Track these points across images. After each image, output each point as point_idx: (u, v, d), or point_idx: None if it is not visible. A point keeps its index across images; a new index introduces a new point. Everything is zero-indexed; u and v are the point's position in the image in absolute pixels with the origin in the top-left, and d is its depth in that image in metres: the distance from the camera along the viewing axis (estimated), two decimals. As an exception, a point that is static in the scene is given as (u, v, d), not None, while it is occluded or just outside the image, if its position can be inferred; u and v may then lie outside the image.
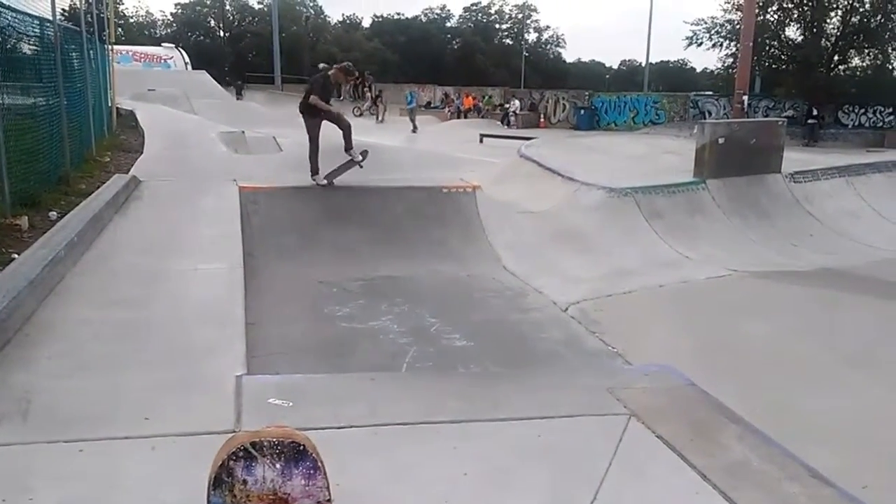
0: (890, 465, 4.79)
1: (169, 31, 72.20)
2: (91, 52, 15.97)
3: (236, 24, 73.19)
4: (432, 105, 49.33)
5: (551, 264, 9.77)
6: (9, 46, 9.18)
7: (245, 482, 2.09)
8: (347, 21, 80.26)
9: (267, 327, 6.86)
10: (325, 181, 11.12)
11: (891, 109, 30.49)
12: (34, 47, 10.37)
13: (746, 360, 6.78)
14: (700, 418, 4.69)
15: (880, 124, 30.60)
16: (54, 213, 8.69)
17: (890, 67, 32.60)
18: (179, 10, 73.61)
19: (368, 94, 47.83)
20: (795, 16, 32.54)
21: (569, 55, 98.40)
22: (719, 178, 13.15)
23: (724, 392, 5.09)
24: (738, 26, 29.35)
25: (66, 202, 9.41)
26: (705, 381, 5.28)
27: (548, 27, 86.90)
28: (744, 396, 5.26)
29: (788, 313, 8.12)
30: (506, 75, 64.07)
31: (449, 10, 79.74)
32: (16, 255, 6.76)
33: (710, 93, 39.31)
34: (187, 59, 46.41)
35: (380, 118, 37.08)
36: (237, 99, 41.18)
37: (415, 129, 34.25)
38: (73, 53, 13.67)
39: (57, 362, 4.81)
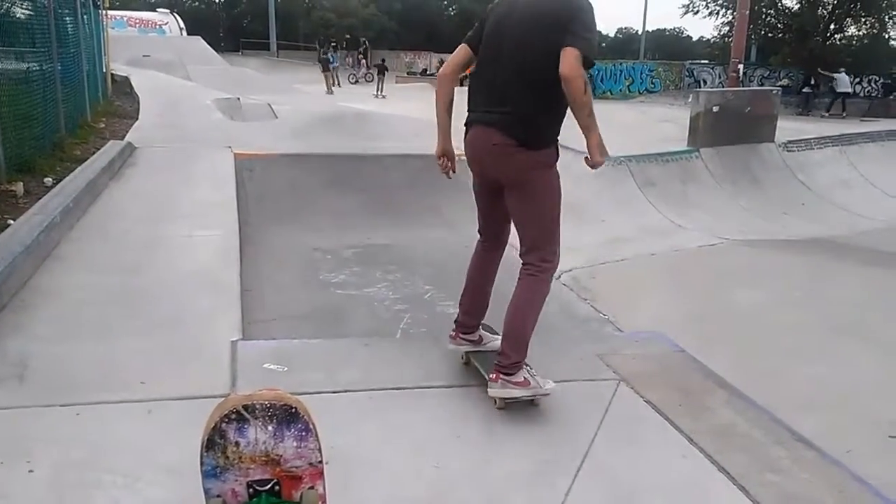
0: (873, 430, 4.87)
1: (163, -5, 71.50)
2: (85, 17, 15.83)
3: (231, -11, 72.51)
4: (428, 72, 49.06)
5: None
6: (2, 11, 9.12)
7: (237, 444, 2.14)
8: (343, -13, 79.57)
9: (262, 293, 6.91)
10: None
11: (885, 79, 30.39)
12: (27, 12, 10.29)
13: (736, 328, 6.85)
14: (688, 384, 4.77)
15: (875, 94, 30.49)
16: (49, 178, 8.68)
17: (886, 37, 32.46)
18: (174, -25, 72.86)
19: (364, 62, 47.62)
20: (793, -16, 32.34)
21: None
22: (713, 146, 13.20)
23: (713, 359, 5.17)
24: (735, -6, 29.17)
25: (61, 168, 9.39)
26: (694, 347, 5.36)
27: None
28: (732, 363, 5.33)
29: (778, 282, 8.19)
30: (502, 42, 63.55)
31: (445, -24, 78.96)
32: (11, 221, 6.78)
33: (706, 61, 39.09)
34: (182, 25, 45.98)
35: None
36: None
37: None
38: (67, 18, 13.54)
39: (53, 327, 4.85)
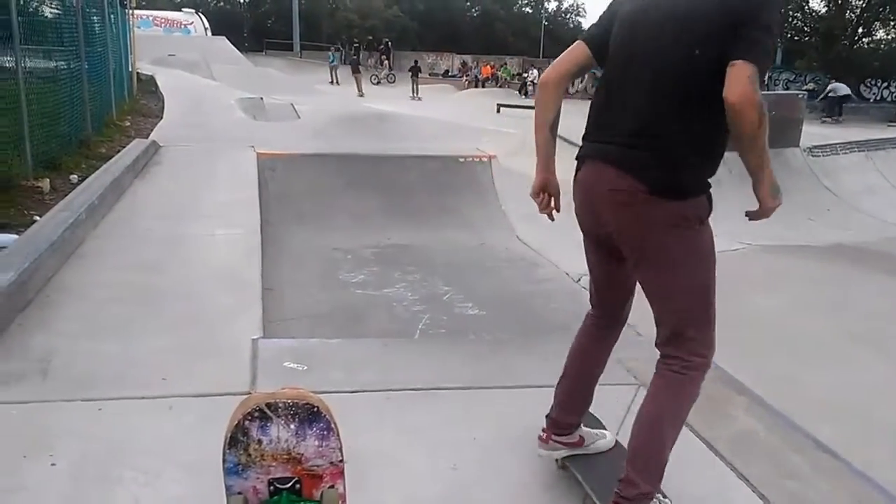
0: (894, 440, 4.83)
1: (189, -5, 71.93)
2: (112, 16, 16.01)
3: (256, -10, 72.86)
4: (450, 74, 49.10)
5: (565, 236, 9.67)
6: (31, 10, 9.24)
7: (260, 442, 2.15)
8: (367, -12, 79.89)
9: (283, 292, 6.94)
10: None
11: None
12: (56, 11, 10.41)
13: (756, 334, 6.80)
14: (707, 390, 4.71)
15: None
16: (75, 176, 8.79)
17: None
18: (199, -25, 73.31)
19: (386, 62, 47.71)
20: (820, -13, 32.11)
21: (589, 25, 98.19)
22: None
23: (733, 364, 5.13)
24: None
25: (86, 166, 9.50)
26: (714, 353, 5.32)
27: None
28: (752, 369, 5.30)
29: (800, 288, 8.12)
30: (525, 44, 63.64)
31: (468, -22, 79.00)
32: (37, 217, 6.87)
33: (731, 65, 38.88)
34: (207, 25, 46.42)
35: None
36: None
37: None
38: (95, 17, 13.71)
39: (77, 324, 4.91)
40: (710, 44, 2.61)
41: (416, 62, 41.17)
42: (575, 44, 3.13)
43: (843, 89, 28.14)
